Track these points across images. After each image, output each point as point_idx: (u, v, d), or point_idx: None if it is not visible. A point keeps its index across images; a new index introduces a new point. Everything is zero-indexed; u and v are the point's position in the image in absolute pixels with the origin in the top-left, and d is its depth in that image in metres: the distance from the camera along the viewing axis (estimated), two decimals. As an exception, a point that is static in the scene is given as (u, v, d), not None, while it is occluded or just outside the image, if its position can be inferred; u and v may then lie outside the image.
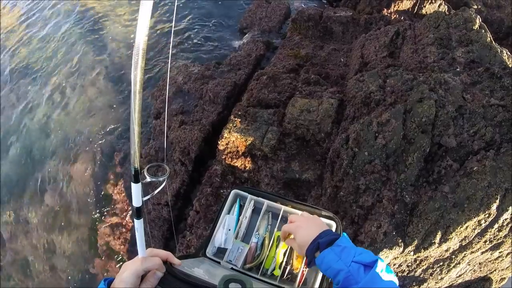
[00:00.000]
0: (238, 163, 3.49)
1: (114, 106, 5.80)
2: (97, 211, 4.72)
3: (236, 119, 3.58)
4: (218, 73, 5.13)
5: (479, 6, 5.68)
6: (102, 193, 4.85)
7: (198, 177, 4.21)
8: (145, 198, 0.94)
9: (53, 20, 7.60)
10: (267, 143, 3.33)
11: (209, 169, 3.71)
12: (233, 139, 3.48)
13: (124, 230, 4.50)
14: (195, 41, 6.42)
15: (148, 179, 0.92)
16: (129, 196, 4.70)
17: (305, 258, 1.32)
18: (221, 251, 1.43)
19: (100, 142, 5.37)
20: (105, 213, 4.66)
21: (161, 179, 0.95)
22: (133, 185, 0.91)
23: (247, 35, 6.08)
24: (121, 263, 4.27)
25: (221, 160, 3.57)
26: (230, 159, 3.51)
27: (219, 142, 3.57)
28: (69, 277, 4.40)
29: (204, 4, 7.12)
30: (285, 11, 6.30)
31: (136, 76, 0.74)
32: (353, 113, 3.21)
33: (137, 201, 0.93)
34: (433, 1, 5.06)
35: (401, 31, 3.88)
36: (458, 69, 3.05)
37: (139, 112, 0.80)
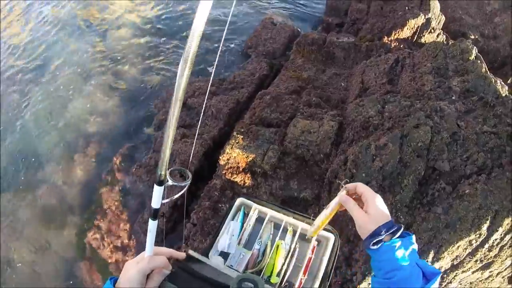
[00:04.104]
0: (238, 178, 3.57)
1: (118, 109, 5.78)
2: (89, 215, 4.62)
3: (238, 135, 3.68)
4: (222, 90, 5.21)
5: (476, 36, 5.87)
6: (96, 197, 4.77)
7: (195, 190, 4.26)
8: (164, 201, 0.95)
9: (59, 18, 7.75)
10: (267, 161, 3.42)
11: (209, 183, 3.77)
12: (234, 155, 3.57)
13: (114, 238, 4.39)
14: (200, 55, 6.55)
15: (171, 182, 0.91)
16: (124, 202, 4.65)
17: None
18: (223, 256, 1.46)
19: (100, 144, 5.33)
20: (96, 218, 4.55)
21: (182, 184, 0.94)
22: (156, 187, 0.91)
23: (251, 54, 6.24)
24: (106, 272, 4.17)
25: (221, 175, 3.64)
26: (230, 174, 3.59)
27: (220, 157, 3.65)
28: (52, 278, 4.26)
29: (213, 20, 7.28)
30: (290, 34, 6.49)
31: (180, 84, 0.74)
32: (352, 136, 3.32)
33: (156, 203, 0.94)
34: (432, 31, 5.23)
35: (400, 59, 4.04)
36: (454, 98, 3.18)
37: (177, 119, 0.80)
